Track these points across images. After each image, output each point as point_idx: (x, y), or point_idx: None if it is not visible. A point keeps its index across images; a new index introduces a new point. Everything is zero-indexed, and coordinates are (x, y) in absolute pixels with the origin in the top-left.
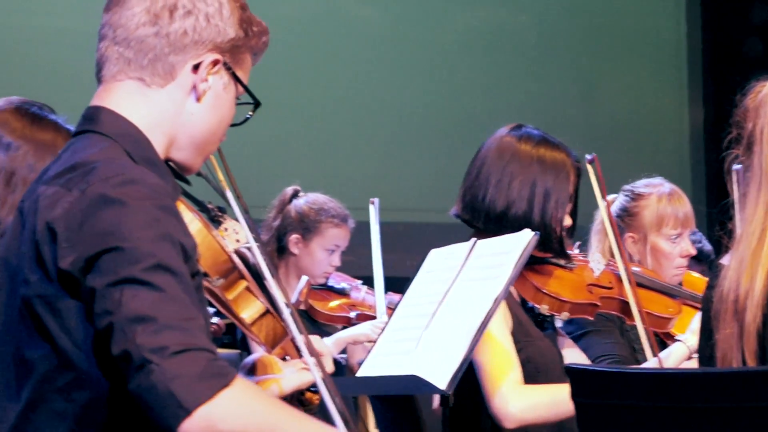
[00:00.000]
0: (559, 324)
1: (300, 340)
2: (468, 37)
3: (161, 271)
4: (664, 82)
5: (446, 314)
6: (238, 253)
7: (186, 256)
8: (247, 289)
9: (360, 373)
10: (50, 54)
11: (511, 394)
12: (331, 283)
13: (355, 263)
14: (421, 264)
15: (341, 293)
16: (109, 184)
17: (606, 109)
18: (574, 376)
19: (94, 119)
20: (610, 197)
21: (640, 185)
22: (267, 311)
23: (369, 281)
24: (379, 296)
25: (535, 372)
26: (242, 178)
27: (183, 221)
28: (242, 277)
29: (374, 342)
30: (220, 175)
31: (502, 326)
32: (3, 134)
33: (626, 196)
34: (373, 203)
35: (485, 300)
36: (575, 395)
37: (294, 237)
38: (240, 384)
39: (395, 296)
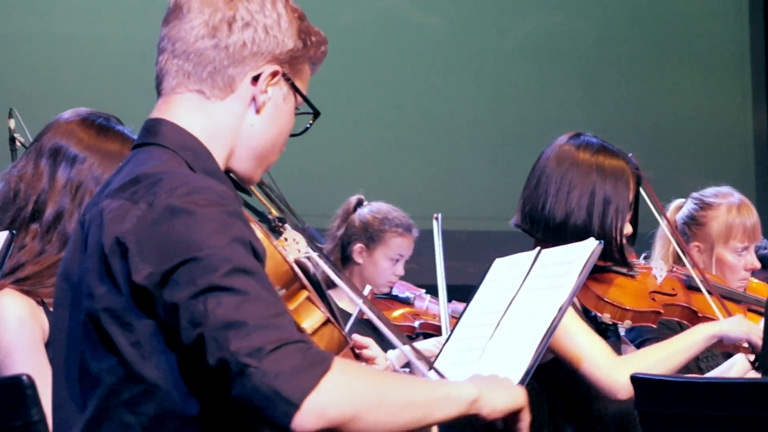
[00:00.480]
0: (621, 332)
1: (383, 328)
2: (527, 44)
3: (239, 274)
4: (726, 87)
5: (511, 324)
6: (298, 263)
7: (257, 258)
8: (308, 299)
9: None
10: (120, 64)
11: (615, 367)
12: (395, 292)
13: (419, 272)
14: (485, 273)
15: (405, 302)
16: (175, 195)
17: (667, 115)
18: (638, 385)
19: (155, 132)
20: (677, 202)
21: (709, 194)
22: (327, 321)
23: (432, 289)
24: (443, 307)
25: None
26: (306, 187)
27: (250, 225)
28: (303, 287)
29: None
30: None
31: (576, 317)
32: (69, 145)
33: (695, 204)
34: (436, 219)
35: (550, 309)
36: (639, 404)
37: (358, 246)
38: (339, 364)
39: (458, 305)
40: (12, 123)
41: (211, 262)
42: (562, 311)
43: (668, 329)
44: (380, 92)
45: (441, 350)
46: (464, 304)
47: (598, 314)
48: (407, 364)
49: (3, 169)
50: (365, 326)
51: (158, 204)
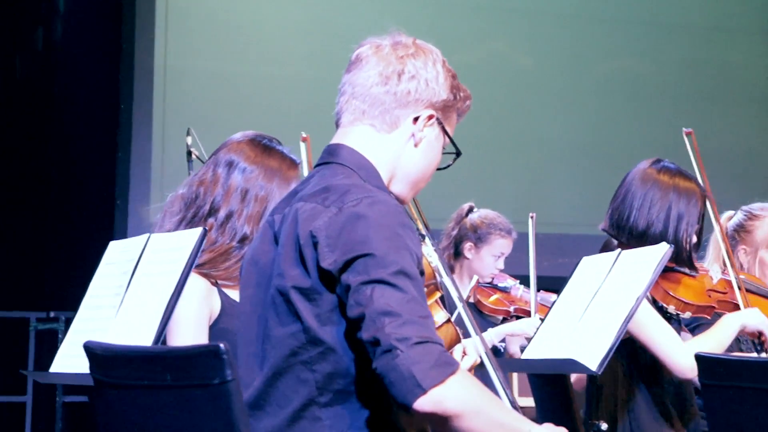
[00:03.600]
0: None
1: (466, 318)
2: (605, 82)
3: (403, 276)
4: (758, 123)
5: (596, 310)
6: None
7: (417, 264)
8: (440, 299)
9: (524, 356)
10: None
11: (686, 352)
12: (496, 281)
13: (517, 265)
14: (574, 269)
15: (503, 291)
16: (361, 204)
17: (715, 143)
18: (702, 361)
19: (336, 153)
20: (727, 213)
21: (756, 207)
22: (448, 320)
23: (525, 281)
24: (532, 296)
25: None
26: (429, 196)
27: (416, 235)
28: (437, 288)
29: (528, 336)
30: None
31: (651, 308)
32: (240, 160)
33: (744, 214)
34: (532, 217)
35: (629, 298)
36: (702, 378)
37: (468, 244)
38: (463, 373)
39: (546, 294)
40: (189, 140)
41: (383, 260)
42: (639, 300)
43: (717, 316)
44: (486, 122)
45: (538, 329)
46: (552, 294)
47: (665, 305)
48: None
49: (182, 178)
50: (472, 309)
51: (346, 209)
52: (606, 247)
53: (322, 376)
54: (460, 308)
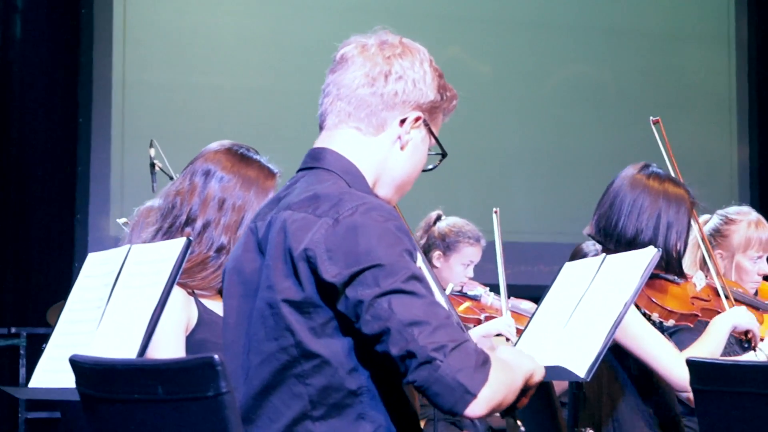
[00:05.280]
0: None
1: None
2: (564, 89)
3: (415, 280)
4: (716, 129)
5: (582, 315)
6: None
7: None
8: None
9: None
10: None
11: (682, 364)
12: (465, 290)
13: (486, 273)
14: (556, 274)
15: (473, 299)
16: (356, 213)
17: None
18: (693, 367)
19: (320, 158)
20: (704, 217)
21: (732, 211)
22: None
23: (495, 289)
24: (502, 297)
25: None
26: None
27: (410, 236)
28: None
29: (502, 335)
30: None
31: (641, 317)
32: (217, 169)
33: (720, 219)
34: (496, 212)
35: (617, 304)
36: (693, 383)
37: (437, 253)
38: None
39: (517, 301)
40: (152, 152)
41: (392, 269)
42: (626, 306)
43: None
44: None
45: (520, 337)
46: (523, 300)
47: (648, 312)
48: None
49: (142, 191)
50: None
51: (343, 220)
52: (576, 255)
53: (315, 390)
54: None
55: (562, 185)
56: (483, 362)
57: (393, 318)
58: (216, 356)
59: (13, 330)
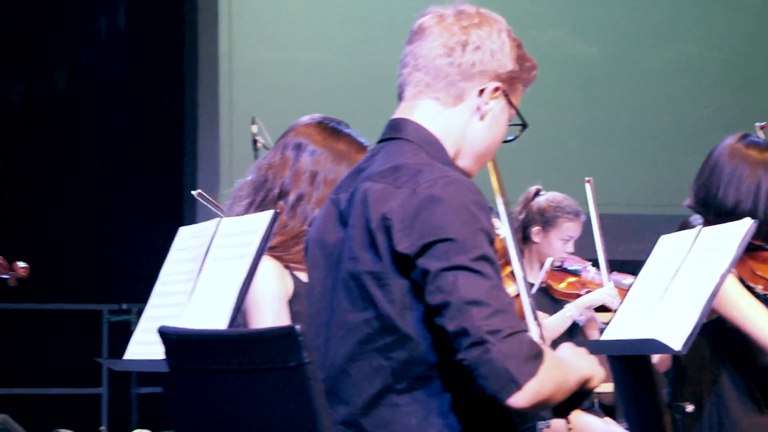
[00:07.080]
0: None
1: (527, 303)
2: (666, 68)
3: (485, 261)
4: None
5: (678, 288)
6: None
7: (491, 243)
8: (511, 273)
9: (604, 337)
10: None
11: None
12: (565, 265)
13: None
14: (653, 248)
15: (574, 274)
16: (436, 186)
17: None
18: None
19: (401, 128)
20: None
21: None
22: (517, 295)
23: (597, 264)
24: (602, 267)
25: None
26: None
27: (489, 212)
28: (509, 263)
29: (606, 306)
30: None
31: (740, 286)
32: (308, 143)
33: None
34: (588, 182)
35: (713, 275)
36: None
37: (536, 228)
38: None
39: (619, 275)
40: (255, 128)
41: (464, 245)
42: (723, 277)
43: None
44: (552, 106)
45: (617, 310)
46: (624, 275)
47: (752, 285)
48: None
49: (249, 166)
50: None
51: (421, 191)
52: (685, 227)
53: (398, 363)
54: (523, 292)
55: (672, 156)
56: (535, 355)
57: (455, 293)
58: (297, 327)
59: (124, 306)
